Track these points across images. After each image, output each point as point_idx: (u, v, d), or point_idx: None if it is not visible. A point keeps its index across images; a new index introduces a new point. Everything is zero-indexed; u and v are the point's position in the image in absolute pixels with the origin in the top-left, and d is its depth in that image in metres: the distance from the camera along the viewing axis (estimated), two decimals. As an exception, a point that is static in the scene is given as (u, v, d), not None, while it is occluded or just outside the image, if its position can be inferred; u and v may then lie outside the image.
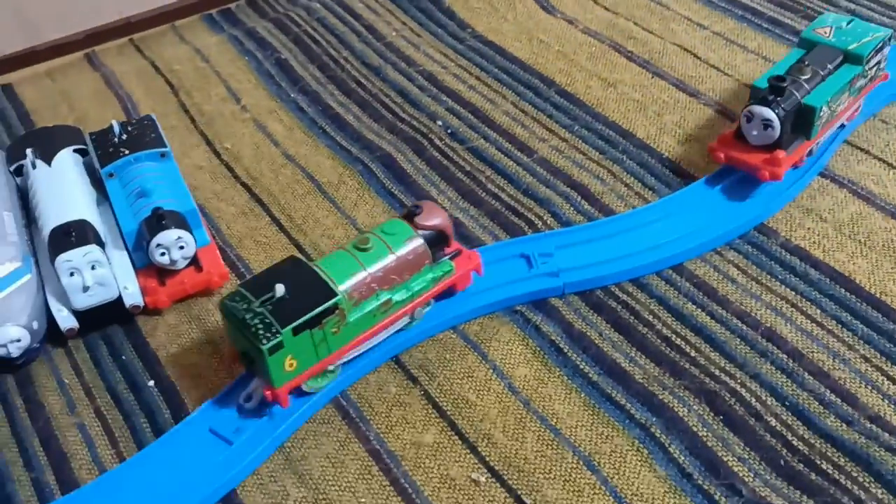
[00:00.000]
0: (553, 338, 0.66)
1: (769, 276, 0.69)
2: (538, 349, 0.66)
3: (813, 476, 0.57)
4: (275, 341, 0.57)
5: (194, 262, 0.71)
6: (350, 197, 0.80)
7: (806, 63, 0.75)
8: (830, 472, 0.57)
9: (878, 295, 0.67)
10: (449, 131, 0.86)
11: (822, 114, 0.73)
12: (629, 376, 0.63)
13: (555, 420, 0.61)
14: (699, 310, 0.67)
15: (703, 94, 0.87)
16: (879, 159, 0.78)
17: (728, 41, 0.94)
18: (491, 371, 0.65)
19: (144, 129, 0.78)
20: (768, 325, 0.66)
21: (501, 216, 0.76)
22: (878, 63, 0.78)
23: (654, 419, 0.61)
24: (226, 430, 0.61)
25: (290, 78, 0.95)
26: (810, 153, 0.76)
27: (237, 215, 0.80)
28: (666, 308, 0.68)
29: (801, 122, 0.73)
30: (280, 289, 0.59)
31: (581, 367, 0.64)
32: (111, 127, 0.78)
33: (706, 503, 0.56)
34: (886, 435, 0.58)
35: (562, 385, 0.63)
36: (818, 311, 0.66)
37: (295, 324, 0.58)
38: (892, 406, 0.60)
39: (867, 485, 0.56)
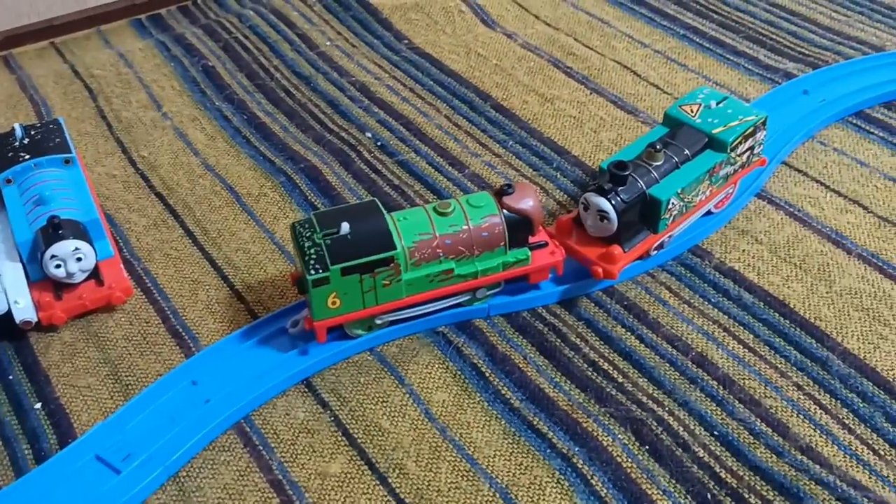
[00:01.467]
0: (475, 361, 0.63)
1: (701, 300, 0.67)
2: (459, 373, 0.62)
3: (740, 511, 0.54)
4: (321, 275, 0.58)
5: (95, 275, 0.66)
6: (270, 210, 0.76)
7: (658, 148, 0.66)
8: (759, 506, 0.54)
9: (811, 320, 0.65)
10: (379, 144, 0.83)
11: (670, 206, 0.65)
12: (553, 403, 0.60)
13: (472, 449, 0.57)
14: (628, 333, 0.64)
15: (642, 112, 0.85)
16: (817, 181, 0.76)
17: (669, 59, 0.92)
18: (407, 396, 0.61)
19: (49, 133, 0.73)
20: (699, 350, 0.63)
21: (428, 232, 0.73)
22: (752, 148, 0.70)
23: (576, 449, 0.57)
24: (114, 457, 0.56)
25: (217, 85, 0.91)
26: (660, 247, 0.68)
27: (148, 227, 0.75)
28: (594, 331, 0.65)
29: (648, 214, 0.65)
30: (345, 227, 0.59)
31: (503, 392, 0.61)
32: (13, 130, 0.73)
33: (628, 540, 0.53)
34: (817, 467, 0.55)
35: (481, 411, 0.60)
36: (751, 336, 0.64)
37: (345, 264, 0.58)
38: (824, 436, 0.57)
39: (796, 520, 0.53)
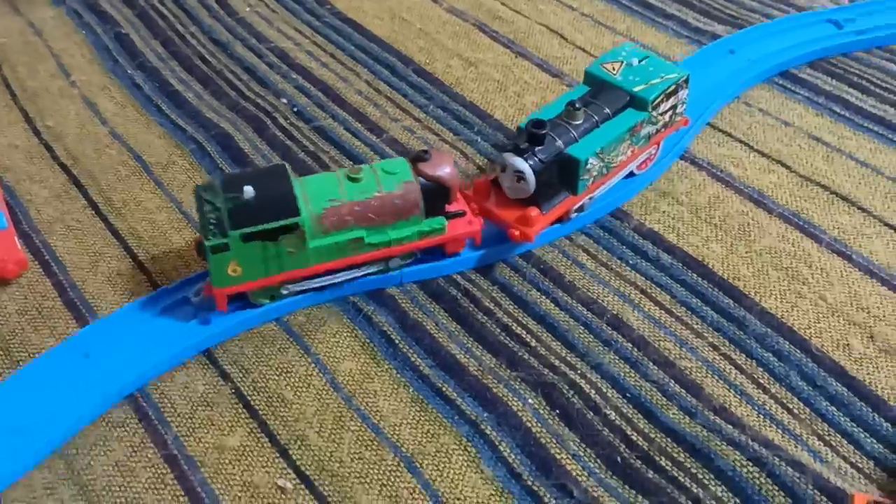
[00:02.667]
0: (385, 328, 0.61)
1: (619, 262, 0.65)
2: (367, 341, 0.60)
3: (650, 474, 0.52)
4: (220, 241, 0.55)
5: (-14, 247, 0.63)
6: (179, 178, 0.73)
7: (577, 106, 0.63)
8: (669, 468, 0.52)
9: (730, 280, 0.63)
10: (295, 109, 0.80)
11: (589, 167, 0.63)
12: (463, 369, 0.58)
13: (377, 418, 0.55)
14: (543, 297, 0.62)
15: (567, 75, 0.83)
16: (741, 142, 0.75)
17: (597, 23, 0.90)
18: (313, 366, 0.58)
19: (-61, 100, 0.70)
20: (615, 312, 0.61)
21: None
22: (674, 107, 0.68)
23: (485, 415, 0.55)
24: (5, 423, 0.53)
25: (130, 53, 0.88)
26: (580, 209, 0.66)
27: (50, 198, 0.72)
28: (509, 295, 0.63)
29: (566, 175, 0.63)
30: (248, 191, 0.56)
31: (412, 359, 0.59)
32: None
33: (535, 506, 0.51)
34: (730, 427, 0.54)
35: (389, 380, 0.58)
36: (668, 298, 0.62)
37: (245, 230, 0.56)
38: (738, 396, 0.56)
39: (706, 482, 0.52)
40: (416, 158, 0.60)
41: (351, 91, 0.82)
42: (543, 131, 0.62)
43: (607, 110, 0.65)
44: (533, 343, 0.59)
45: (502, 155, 0.62)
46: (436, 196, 0.60)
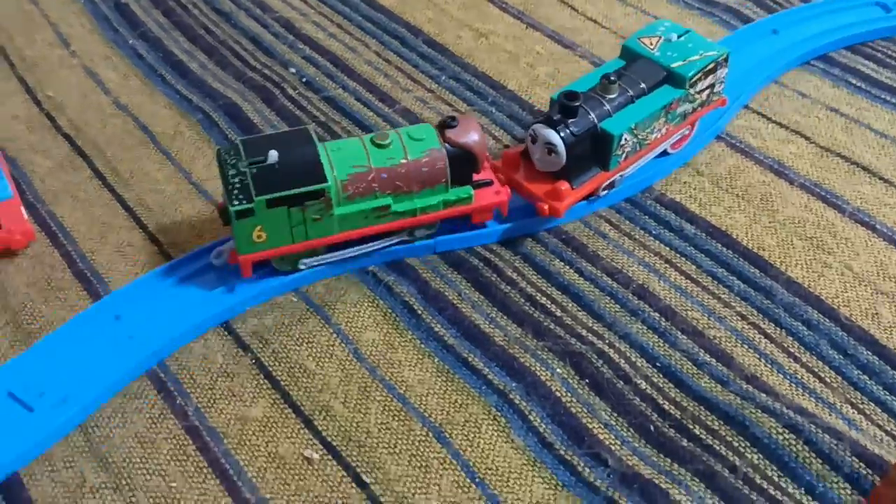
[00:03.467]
0: (406, 298, 0.59)
1: (642, 232, 0.64)
2: (389, 311, 0.58)
3: (684, 442, 0.51)
4: (245, 206, 0.54)
5: (-9, 217, 0.61)
6: (187, 149, 0.71)
7: (613, 79, 0.61)
8: (703, 437, 0.51)
9: (754, 250, 0.62)
10: (304, 80, 0.78)
11: (622, 142, 0.61)
12: (488, 339, 0.57)
13: (403, 388, 0.54)
14: (567, 267, 0.61)
15: (579, 47, 0.82)
16: (758, 113, 0.74)
17: (607, -5, 0.89)
18: (335, 336, 0.57)
19: (-62, 66, 0.67)
20: (640, 282, 0.60)
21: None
22: (712, 86, 0.66)
23: (513, 384, 0.54)
24: (28, 393, 0.51)
25: (130, 23, 0.85)
26: (611, 185, 0.64)
27: (54, 169, 0.69)
28: (531, 265, 0.61)
29: (599, 150, 0.61)
30: (273, 156, 0.54)
31: (436, 329, 0.57)
32: None
33: (568, 475, 0.50)
34: (763, 395, 0.53)
35: (413, 350, 0.56)
36: (693, 268, 0.61)
37: (271, 196, 0.54)
38: (769, 365, 0.55)
39: (742, 450, 0.51)
40: (443, 125, 0.59)
41: (360, 61, 0.80)
42: (577, 103, 0.60)
43: (643, 85, 0.63)
44: (558, 313, 0.58)
45: (533, 126, 0.61)
46: (462, 164, 0.59)
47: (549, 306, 0.59)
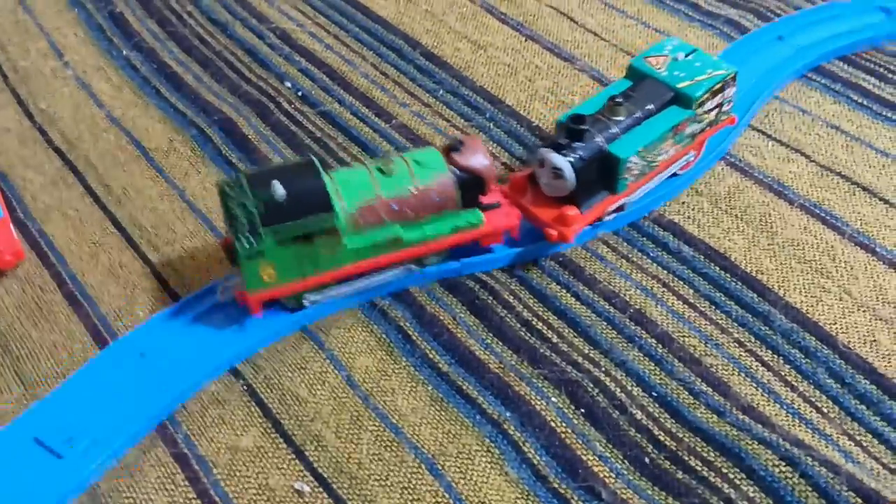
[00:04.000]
0: (401, 323, 0.59)
1: (640, 254, 0.63)
2: (383, 336, 0.58)
3: (680, 475, 0.51)
4: (254, 244, 0.52)
5: (-19, 237, 0.60)
6: (180, 165, 0.70)
7: (620, 101, 0.61)
8: (699, 468, 0.51)
9: (753, 273, 0.62)
10: (299, 94, 0.77)
11: (630, 165, 0.60)
12: (483, 366, 0.56)
13: (396, 417, 0.53)
14: (563, 290, 0.61)
15: (578, 60, 0.81)
16: (758, 130, 0.73)
17: (606, 5, 0.88)
18: (328, 362, 0.56)
19: (-71, 81, 0.66)
20: (637, 307, 0.59)
21: (352, 187, 0.68)
22: (720, 106, 0.65)
23: (508, 414, 0.53)
24: (54, 439, 0.50)
25: (125, 33, 0.84)
26: (620, 209, 0.63)
27: (46, 185, 0.69)
28: (528, 289, 0.61)
29: (606, 173, 0.60)
30: (279, 190, 0.52)
31: (430, 356, 0.57)
32: None
33: (562, 509, 0.49)
34: (759, 426, 0.52)
35: (407, 377, 0.56)
36: (690, 292, 0.61)
37: (280, 233, 0.53)
38: (766, 395, 0.55)
39: (738, 482, 0.50)
40: (449, 148, 0.58)
41: (356, 74, 0.79)
42: (584, 127, 0.59)
43: (650, 107, 0.62)
44: (555, 339, 0.58)
45: (540, 150, 0.60)
46: (471, 188, 0.58)
47: (545, 332, 0.58)
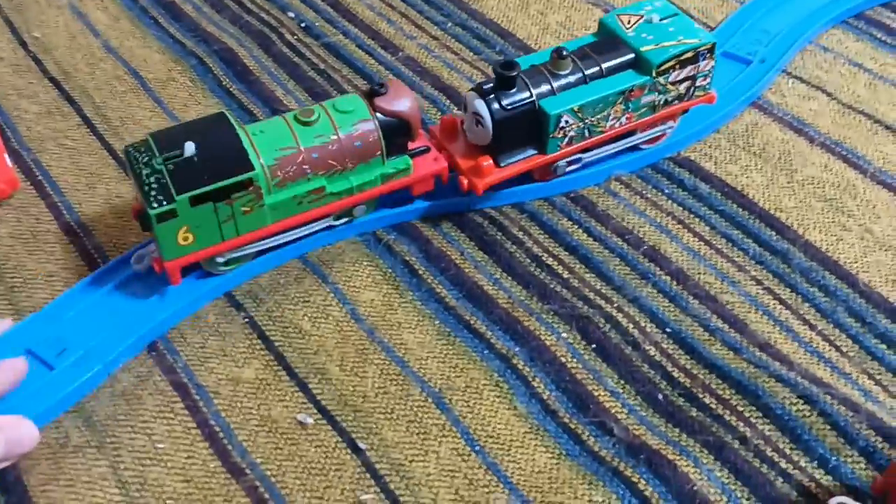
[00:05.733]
0: (407, 258, 0.57)
1: (655, 191, 0.61)
2: (389, 271, 0.56)
3: (694, 412, 0.49)
4: (166, 208, 0.48)
5: (-27, 165, 0.58)
6: (179, 96, 0.68)
7: (565, 54, 0.56)
8: (713, 406, 0.49)
9: (772, 211, 0.60)
10: (302, 25, 0.74)
11: (562, 124, 0.56)
12: (491, 300, 0.54)
13: (402, 351, 0.52)
14: (575, 226, 0.59)
15: (592, -6, 0.78)
16: (778, 68, 0.71)
17: (622, -61, 0.84)
18: (332, 296, 0.55)
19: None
20: (651, 243, 0.58)
21: (357, 120, 0.66)
22: (692, 79, 0.59)
23: (516, 349, 0.52)
24: (47, 352, 0.49)
25: (122, -38, 0.81)
26: (554, 171, 0.59)
27: (41, 115, 0.66)
28: (538, 224, 0.59)
29: (535, 129, 0.56)
30: (189, 147, 0.49)
31: (437, 290, 0.55)
32: None
33: (572, 444, 0.48)
34: (777, 364, 0.51)
35: (413, 311, 0.54)
36: (707, 229, 0.59)
37: (193, 192, 0.48)
38: (784, 332, 0.53)
39: (753, 420, 0.49)
40: (371, 93, 0.54)
41: (361, 6, 0.76)
42: (513, 74, 0.55)
43: (601, 67, 0.57)
44: (565, 274, 0.56)
45: (467, 93, 0.56)
46: (396, 134, 0.54)
47: (555, 267, 0.56)
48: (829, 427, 0.48)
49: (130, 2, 0.77)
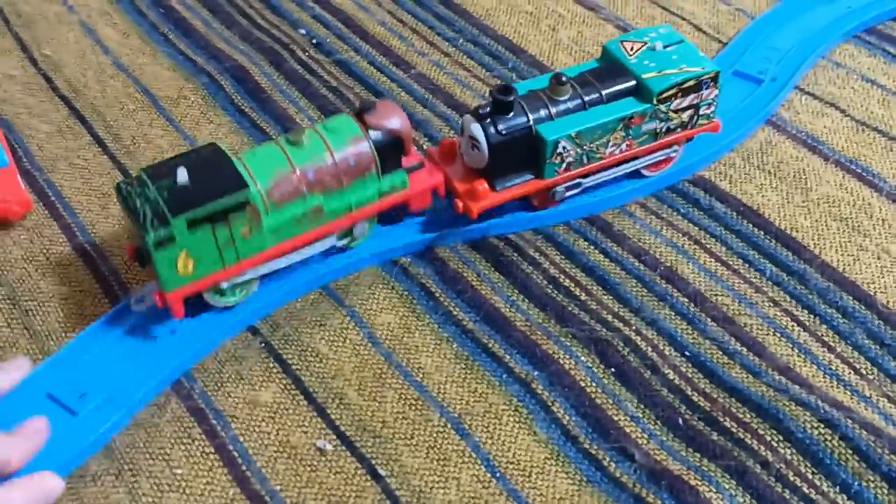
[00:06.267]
0: (423, 280, 0.56)
1: (670, 210, 0.61)
2: (405, 293, 0.56)
3: (715, 436, 0.49)
4: (163, 233, 0.47)
5: (-14, 187, 0.58)
6: (191, 114, 0.68)
7: (564, 80, 0.56)
8: (734, 430, 0.49)
9: (788, 231, 0.60)
10: (314, 42, 0.74)
11: (560, 150, 0.56)
12: (509, 323, 0.54)
13: (420, 375, 0.52)
14: (591, 247, 0.58)
15: (604, 9, 0.78)
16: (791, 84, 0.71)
17: (632, -47, 0.84)
18: (348, 319, 0.54)
19: (-72, 23, 0.63)
20: (668, 264, 0.57)
21: (370, 139, 0.65)
22: (695, 107, 0.59)
23: (535, 373, 0.51)
24: (68, 395, 0.49)
25: (131, -23, 0.81)
26: (553, 196, 0.58)
27: (52, 134, 0.66)
28: (554, 245, 0.59)
29: (532, 154, 0.56)
30: (182, 174, 0.48)
31: (454, 313, 0.55)
32: None
33: (593, 470, 0.48)
34: (797, 387, 0.51)
35: (431, 334, 0.54)
36: (723, 249, 0.59)
37: (190, 214, 0.47)
38: (803, 355, 0.53)
39: (775, 444, 0.48)
40: (360, 111, 0.54)
41: (373, 22, 0.76)
42: (510, 98, 0.55)
43: (602, 93, 0.57)
44: (583, 296, 0.56)
45: (465, 116, 0.56)
46: (389, 149, 0.54)
47: (572, 289, 0.56)
48: (850, 451, 0.48)
49: (140, 17, 0.77)
